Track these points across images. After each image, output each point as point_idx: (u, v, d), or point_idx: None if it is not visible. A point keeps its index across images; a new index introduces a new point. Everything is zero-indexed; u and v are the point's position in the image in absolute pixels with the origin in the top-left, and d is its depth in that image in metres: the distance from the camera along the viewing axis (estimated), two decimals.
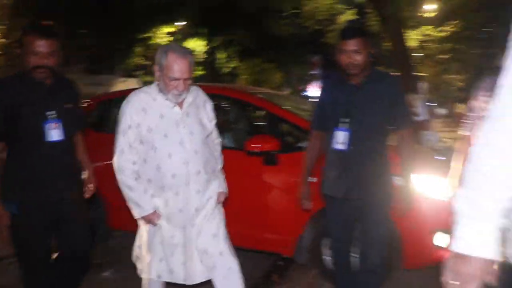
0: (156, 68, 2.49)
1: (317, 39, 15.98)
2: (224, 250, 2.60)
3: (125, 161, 2.52)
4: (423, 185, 3.19)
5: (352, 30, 2.68)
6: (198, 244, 2.56)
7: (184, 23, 20.35)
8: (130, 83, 25.03)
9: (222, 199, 2.74)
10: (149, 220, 2.56)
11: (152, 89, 2.55)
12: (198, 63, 22.51)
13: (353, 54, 2.58)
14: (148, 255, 2.60)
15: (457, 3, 10.86)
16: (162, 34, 19.83)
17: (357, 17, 14.23)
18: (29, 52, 2.48)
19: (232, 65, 24.23)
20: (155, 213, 2.55)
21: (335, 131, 2.69)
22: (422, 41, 18.24)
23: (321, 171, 2.83)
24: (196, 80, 2.99)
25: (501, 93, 1.17)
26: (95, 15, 16.98)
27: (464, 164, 2.69)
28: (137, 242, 2.73)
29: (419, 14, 14.65)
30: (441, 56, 19.60)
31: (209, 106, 2.74)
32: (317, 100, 2.90)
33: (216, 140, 2.83)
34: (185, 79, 2.45)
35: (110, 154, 2.68)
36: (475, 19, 10.26)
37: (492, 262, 1.18)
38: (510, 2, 8.65)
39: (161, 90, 2.51)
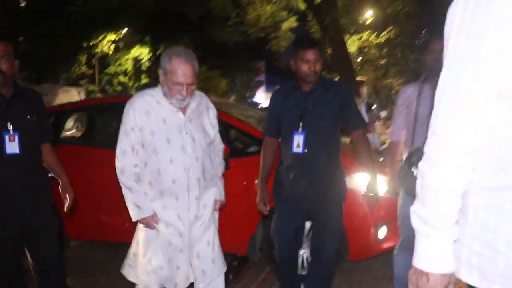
0: (160, 72, 2.47)
1: (261, 46, 16.32)
2: (216, 258, 2.64)
3: (126, 162, 2.50)
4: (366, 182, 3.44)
5: (311, 40, 2.81)
6: (194, 250, 2.57)
7: (126, 30, 20.10)
8: (73, 92, 24.51)
9: (218, 207, 2.73)
10: (147, 223, 2.52)
11: (157, 92, 2.53)
12: (142, 71, 22.28)
13: (314, 63, 2.70)
14: (148, 262, 2.55)
15: (392, 11, 11.46)
16: (107, 42, 19.49)
17: (298, 24, 14.67)
18: None
19: None
20: (154, 216, 2.53)
21: (292, 135, 2.80)
22: (361, 47, 18.97)
23: (275, 174, 2.98)
24: (141, 88, 3.02)
25: (439, 112, 1.16)
26: (37, 22, 16.49)
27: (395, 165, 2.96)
28: (132, 250, 2.68)
29: (359, 21, 15.27)
30: (380, 61, 20.47)
31: (212, 112, 2.73)
32: (269, 106, 3.01)
33: (219, 146, 2.80)
34: (188, 84, 2.44)
35: (65, 164, 2.74)
36: (408, 27, 10.87)
37: (450, 275, 1.20)
38: (440, 12, 9.25)
39: (165, 94, 2.49)
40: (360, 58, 20.69)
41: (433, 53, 2.69)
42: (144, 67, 21.64)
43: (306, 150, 2.79)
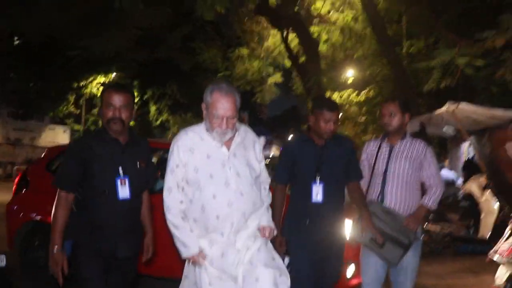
0: (203, 106, 2.50)
1: (247, 98, 17.02)
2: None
3: (172, 200, 2.52)
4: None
5: (335, 104, 3.12)
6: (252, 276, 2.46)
7: (115, 74, 20.62)
8: (59, 130, 24.71)
9: (268, 233, 2.62)
10: (194, 261, 2.50)
11: (200, 128, 2.55)
12: None
13: (333, 123, 3.02)
14: None
15: (371, 73, 12.28)
16: (96, 84, 20.01)
17: (283, 79, 15.43)
18: None
19: (162, 118, 24.64)
20: (201, 254, 2.49)
21: (310, 186, 3.04)
22: (342, 104, 19.81)
23: (287, 220, 3.16)
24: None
25: None
26: (30, 60, 16.93)
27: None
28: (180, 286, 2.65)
29: (340, 80, 16.11)
30: (359, 119, 21.30)
31: (258, 146, 2.69)
32: (282, 157, 3.27)
33: (266, 180, 2.75)
34: (228, 117, 2.44)
35: None
36: (385, 88, 11.63)
37: None
38: (415, 76, 10.06)
39: (207, 129, 2.51)
40: (341, 114, 21.53)
41: (384, 116, 3.16)
42: None
43: (325, 199, 3.04)
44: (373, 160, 3.20)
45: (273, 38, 12.59)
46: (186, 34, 10.96)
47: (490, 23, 6.56)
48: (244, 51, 13.07)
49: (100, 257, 2.69)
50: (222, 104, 2.41)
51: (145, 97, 23.36)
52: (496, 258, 3.27)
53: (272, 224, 2.65)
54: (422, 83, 8.98)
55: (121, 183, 2.70)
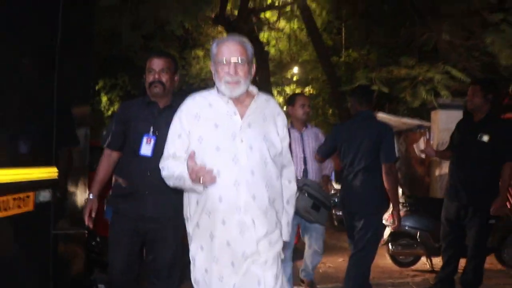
0: (212, 68, 2.17)
1: None
2: None
3: (165, 163, 2.17)
4: None
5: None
6: None
7: None
8: None
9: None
10: (205, 181, 1.96)
11: (210, 92, 2.19)
12: None
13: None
14: None
15: (312, 76, 13.83)
16: None
17: None
18: None
19: (114, 108, 25.12)
20: (202, 169, 1.95)
21: None
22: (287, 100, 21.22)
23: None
24: None
25: None
26: None
27: None
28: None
29: (286, 76, 17.50)
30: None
31: (281, 120, 2.25)
32: (332, 137, 4.12)
33: (288, 167, 2.30)
34: (237, 63, 2.07)
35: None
36: (325, 89, 13.18)
37: None
38: (347, 79, 11.62)
39: (218, 90, 2.14)
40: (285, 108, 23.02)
41: (301, 108, 4.25)
42: None
43: None
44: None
45: None
46: (144, 34, 11.92)
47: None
48: (200, 52, 14.18)
49: (129, 221, 2.81)
50: (227, 47, 2.09)
51: (97, 87, 23.76)
52: (384, 222, 4.71)
53: (286, 237, 2.27)
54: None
55: (147, 141, 2.77)
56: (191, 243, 2.20)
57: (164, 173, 2.19)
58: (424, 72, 7.56)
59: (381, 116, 7.79)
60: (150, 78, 2.83)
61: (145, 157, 2.77)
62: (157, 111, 2.86)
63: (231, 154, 2.06)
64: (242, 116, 2.13)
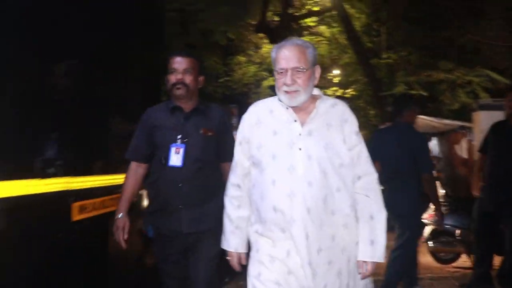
0: (275, 73, 2.06)
1: (244, 100, 18.46)
2: None
3: (230, 184, 2.19)
4: None
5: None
6: None
7: None
8: None
9: (369, 271, 2.02)
10: (230, 257, 2.19)
11: (274, 98, 2.11)
12: None
13: None
14: None
15: (350, 72, 14.00)
16: None
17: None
18: None
19: None
20: (236, 255, 2.16)
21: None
22: None
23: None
24: None
25: None
26: None
27: None
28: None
29: (327, 77, 17.66)
30: None
31: (349, 127, 2.06)
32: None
33: (364, 178, 2.05)
34: (294, 69, 1.95)
35: None
36: (365, 92, 13.31)
37: None
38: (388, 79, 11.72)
39: (279, 99, 2.04)
40: None
41: None
42: None
43: None
44: None
45: (268, 46, 14.15)
46: (188, 42, 12.42)
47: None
48: (242, 58, 14.62)
49: (168, 237, 2.64)
50: (283, 53, 1.98)
51: None
52: (425, 221, 4.93)
53: (379, 258, 2.01)
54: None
55: (175, 151, 2.55)
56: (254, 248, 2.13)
57: (225, 203, 2.23)
58: (462, 76, 7.68)
59: (423, 118, 7.94)
60: (172, 79, 2.62)
61: (175, 168, 2.57)
62: (183, 116, 2.66)
63: (287, 163, 1.97)
64: (303, 124, 2.03)
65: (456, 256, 5.79)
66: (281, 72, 1.98)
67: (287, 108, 2.04)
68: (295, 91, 1.98)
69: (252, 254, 2.11)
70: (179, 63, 2.61)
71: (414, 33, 11.30)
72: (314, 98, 2.09)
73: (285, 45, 2.02)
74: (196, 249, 2.64)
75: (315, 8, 12.59)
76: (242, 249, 2.18)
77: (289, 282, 1.96)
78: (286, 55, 1.98)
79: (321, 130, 2.02)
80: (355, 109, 14.75)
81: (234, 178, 2.19)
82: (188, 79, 2.61)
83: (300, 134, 2.00)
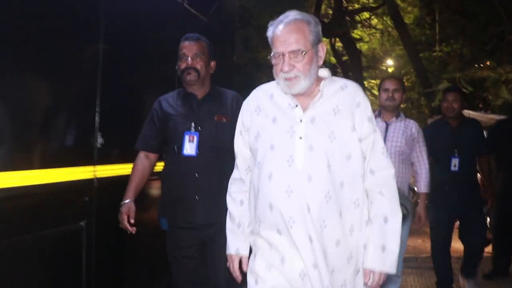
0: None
1: None
2: None
3: (232, 178, 2.00)
4: None
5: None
6: None
7: None
8: None
9: (376, 282, 1.75)
10: (230, 262, 1.96)
11: (274, 83, 1.85)
12: None
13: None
14: None
15: (402, 64, 14.16)
16: None
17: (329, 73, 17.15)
18: None
19: None
20: (237, 258, 1.93)
21: (450, 158, 3.91)
22: None
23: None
24: None
25: None
26: None
27: None
28: None
29: (381, 67, 17.75)
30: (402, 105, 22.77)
31: (360, 112, 1.78)
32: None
33: (377, 173, 1.78)
34: (291, 52, 1.68)
35: None
36: (419, 82, 13.44)
37: None
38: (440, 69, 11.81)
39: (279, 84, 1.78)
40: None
41: (385, 92, 3.48)
42: None
43: (460, 170, 3.86)
44: None
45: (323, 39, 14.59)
46: (244, 35, 13.10)
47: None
48: None
49: (182, 229, 2.55)
50: (281, 35, 1.70)
51: None
52: None
53: (390, 267, 1.75)
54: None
55: (189, 140, 2.46)
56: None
57: (227, 199, 2.01)
58: (506, 73, 7.91)
59: (470, 113, 8.27)
60: (182, 65, 2.54)
61: (190, 157, 2.49)
62: (196, 103, 2.57)
63: (286, 154, 1.72)
64: (305, 109, 1.76)
65: (488, 242, 6.12)
66: (278, 57, 1.72)
67: (287, 93, 1.79)
68: (295, 77, 1.72)
69: (250, 259, 1.90)
70: (189, 48, 2.54)
71: (467, 26, 11.37)
72: (319, 80, 1.82)
73: (280, 24, 1.73)
74: (215, 241, 2.51)
75: (370, 2, 12.86)
76: (244, 251, 1.93)
77: None
78: (284, 36, 1.70)
79: (326, 116, 1.76)
80: (408, 100, 14.85)
81: (236, 172, 1.97)
82: (198, 64, 2.54)
83: (301, 121, 1.75)
